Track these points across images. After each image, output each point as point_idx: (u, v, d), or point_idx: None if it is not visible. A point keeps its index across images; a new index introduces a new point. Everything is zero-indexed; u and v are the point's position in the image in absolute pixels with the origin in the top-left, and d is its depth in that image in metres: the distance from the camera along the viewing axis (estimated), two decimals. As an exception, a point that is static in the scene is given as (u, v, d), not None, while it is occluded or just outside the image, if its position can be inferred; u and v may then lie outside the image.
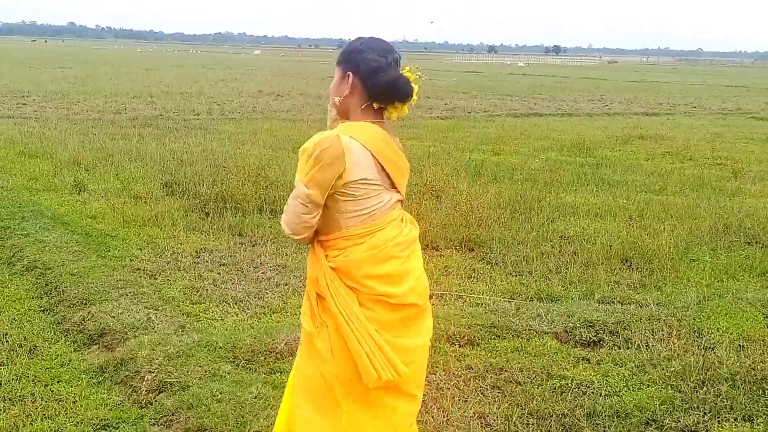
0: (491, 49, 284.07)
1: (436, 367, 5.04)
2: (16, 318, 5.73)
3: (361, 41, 3.12)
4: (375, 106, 3.10)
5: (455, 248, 8.00)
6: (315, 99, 27.47)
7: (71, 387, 4.68)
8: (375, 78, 3.03)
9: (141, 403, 4.45)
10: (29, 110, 20.08)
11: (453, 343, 5.42)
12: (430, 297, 6.41)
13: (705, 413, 4.54)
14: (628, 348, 5.47)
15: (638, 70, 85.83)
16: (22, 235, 7.60)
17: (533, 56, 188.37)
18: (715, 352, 5.37)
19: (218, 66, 57.54)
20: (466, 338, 5.48)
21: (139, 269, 6.88)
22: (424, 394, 4.65)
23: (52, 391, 4.60)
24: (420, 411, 4.49)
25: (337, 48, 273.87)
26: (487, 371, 5.01)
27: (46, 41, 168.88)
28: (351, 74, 3.05)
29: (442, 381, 4.85)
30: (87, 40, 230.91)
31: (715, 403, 4.63)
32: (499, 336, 5.58)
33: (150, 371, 4.70)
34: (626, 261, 7.66)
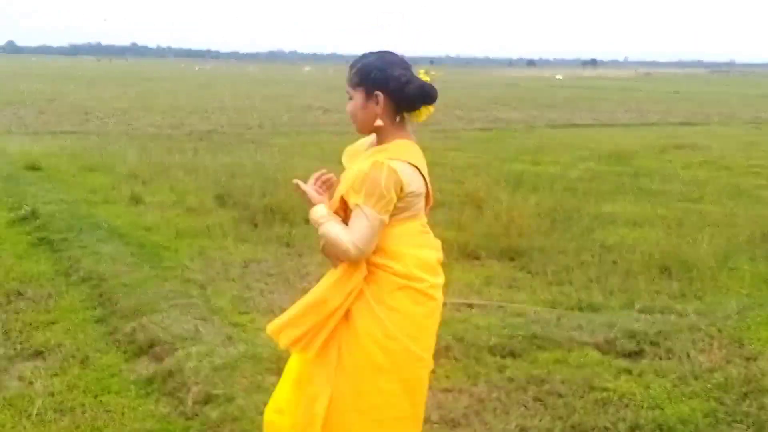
0: (530, 63, 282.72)
1: (478, 378, 4.85)
2: (71, 328, 5.64)
3: (376, 57, 2.98)
4: (404, 116, 3.03)
5: (496, 258, 7.77)
6: (361, 112, 27.36)
7: (120, 398, 4.55)
8: (407, 90, 2.92)
9: (187, 414, 4.31)
10: (92, 126, 20.27)
11: (494, 354, 5.20)
12: (471, 306, 6.24)
13: (748, 426, 4.30)
14: (670, 359, 5.22)
15: (673, 82, 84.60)
16: (79, 246, 7.53)
17: (570, 69, 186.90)
18: (757, 363, 5.11)
19: (270, 82, 57.81)
20: (507, 349, 5.26)
21: (189, 280, 6.77)
22: (465, 407, 4.48)
23: (101, 402, 4.49)
24: (461, 423, 4.31)
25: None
26: (528, 383, 4.80)
27: (110, 60, 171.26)
28: (380, 93, 2.93)
29: (483, 393, 4.64)
30: (148, 59, 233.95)
31: (759, 417, 4.38)
32: (541, 347, 5.35)
33: (196, 383, 4.56)
34: (666, 270, 7.37)
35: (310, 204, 3.02)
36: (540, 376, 4.88)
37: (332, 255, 3.03)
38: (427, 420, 4.28)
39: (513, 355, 5.22)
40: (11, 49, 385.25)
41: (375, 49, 3.04)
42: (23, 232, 8.35)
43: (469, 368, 4.99)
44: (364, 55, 3.01)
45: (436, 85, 2.99)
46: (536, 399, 4.60)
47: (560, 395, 4.64)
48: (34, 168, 12.36)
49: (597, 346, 5.39)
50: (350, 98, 3.01)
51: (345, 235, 2.88)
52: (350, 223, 2.91)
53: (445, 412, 4.39)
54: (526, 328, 5.61)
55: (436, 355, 5.09)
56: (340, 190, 3.00)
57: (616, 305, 6.38)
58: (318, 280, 6.86)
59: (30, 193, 10.14)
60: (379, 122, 2.98)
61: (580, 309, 6.28)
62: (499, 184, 11.16)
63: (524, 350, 5.28)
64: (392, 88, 2.92)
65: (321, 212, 2.97)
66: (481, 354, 5.17)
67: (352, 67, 2.99)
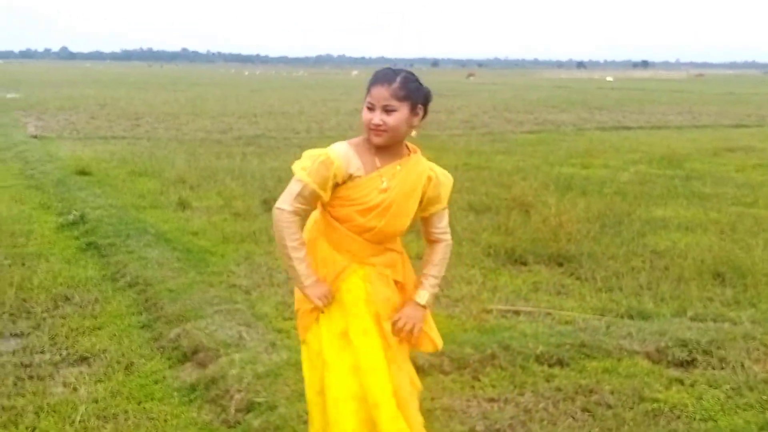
0: (580, 65, 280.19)
1: (524, 387, 4.75)
2: (116, 334, 5.66)
3: (408, 73, 3.18)
4: None
5: (544, 263, 7.64)
6: (409, 116, 27.29)
7: (163, 405, 4.54)
8: (430, 103, 3.23)
9: (230, 422, 4.28)
10: (142, 131, 20.46)
11: (542, 362, 5.09)
12: (518, 313, 6.13)
13: (807, 440, 4.14)
14: (723, 369, 5.06)
15: (725, 83, 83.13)
16: (126, 251, 7.57)
17: (621, 71, 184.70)
18: (815, 375, 4.94)
19: (318, 86, 58.05)
20: (555, 358, 5.14)
21: (234, 285, 6.76)
22: (511, 417, 4.39)
23: (144, 409, 4.48)
24: (508, 434, 4.21)
25: (431, 67, 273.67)
26: (576, 393, 4.68)
27: (161, 66, 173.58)
28: (422, 106, 3.17)
29: (530, 403, 4.54)
30: (198, 65, 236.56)
31: (818, 430, 4.22)
32: (589, 356, 5.22)
33: (239, 390, 4.53)
34: (719, 276, 7.18)
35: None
36: (588, 386, 4.76)
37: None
38: (472, 430, 4.23)
39: (561, 364, 5.11)
40: (65, 54, 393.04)
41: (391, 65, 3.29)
42: (71, 236, 8.44)
43: (516, 377, 4.89)
44: (395, 70, 3.16)
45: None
46: (584, 410, 4.49)
47: (609, 406, 4.52)
48: (84, 173, 12.51)
49: (647, 355, 5.26)
50: (389, 111, 3.09)
51: (448, 234, 3.46)
52: (444, 218, 3.39)
53: (490, 423, 4.30)
54: (575, 336, 5.48)
55: (482, 363, 5.04)
56: (411, 203, 3.24)
57: (667, 313, 6.22)
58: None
59: (79, 198, 10.24)
60: (414, 133, 3.23)
61: (630, 317, 6.13)
62: (548, 188, 11.02)
63: (572, 359, 5.16)
64: (427, 100, 3.20)
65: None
66: (528, 363, 5.06)
67: (389, 81, 3.10)
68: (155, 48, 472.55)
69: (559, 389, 4.73)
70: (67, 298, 6.40)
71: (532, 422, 4.30)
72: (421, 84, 3.18)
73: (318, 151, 3.19)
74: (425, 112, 3.20)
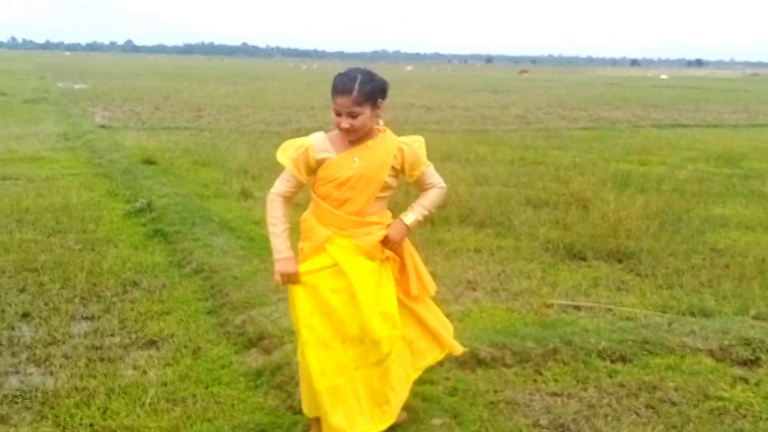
0: (634, 63, 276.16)
1: (587, 383, 4.66)
2: (183, 319, 5.69)
3: (366, 73, 3.53)
4: None
5: (603, 259, 7.51)
6: (463, 111, 27.19)
7: (230, 390, 4.55)
8: (387, 89, 3.61)
9: (295, 408, 4.25)
10: (204, 122, 20.62)
11: (604, 358, 4.99)
12: (579, 308, 6.02)
13: None
14: (789, 369, 4.92)
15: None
16: (192, 239, 7.62)
17: (675, 69, 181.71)
18: None
19: (374, 81, 57.92)
20: (617, 354, 5.04)
21: (297, 273, 6.74)
22: (575, 412, 4.30)
23: (212, 393, 4.49)
24: (571, 429, 4.14)
25: (485, 63, 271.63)
26: (640, 389, 4.58)
27: (222, 60, 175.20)
28: (381, 101, 3.56)
29: (593, 398, 4.45)
30: (257, 59, 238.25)
31: None
32: (652, 352, 5.11)
33: (304, 377, 4.51)
34: (782, 276, 6.99)
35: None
36: (652, 383, 4.66)
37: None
38: (535, 424, 4.15)
39: (623, 360, 5.00)
40: (129, 48, 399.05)
41: (344, 69, 3.62)
42: (139, 223, 8.52)
43: (578, 372, 4.80)
44: (350, 77, 3.50)
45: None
46: (648, 406, 4.39)
47: (674, 403, 4.42)
48: (149, 162, 12.64)
49: (711, 353, 5.13)
50: (353, 116, 3.46)
51: (439, 182, 3.81)
52: (430, 174, 3.76)
53: (554, 417, 4.22)
54: (636, 332, 5.37)
55: (544, 358, 4.96)
56: (380, 174, 3.58)
57: (729, 311, 6.06)
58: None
59: (145, 186, 10.35)
60: (381, 122, 3.63)
61: (692, 314, 5.99)
62: (605, 184, 10.82)
63: (635, 355, 5.05)
64: (384, 93, 3.57)
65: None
66: (590, 358, 4.97)
67: (348, 91, 3.45)
68: (216, 42, 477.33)
69: (622, 385, 4.63)
70: (135, 283, 6.47)
71: (596, 418, 4.21)
72: (376, 81, 3.52)
73: (301, 140, 3.63)
74: (384, 99, 3.57)
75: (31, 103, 25.04)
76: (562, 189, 10.59)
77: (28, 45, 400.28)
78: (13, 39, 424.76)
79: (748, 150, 16.77)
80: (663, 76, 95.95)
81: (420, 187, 3.78)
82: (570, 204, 9.54)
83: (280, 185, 3.66)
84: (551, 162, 13.94)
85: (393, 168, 3.61)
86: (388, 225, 3.69)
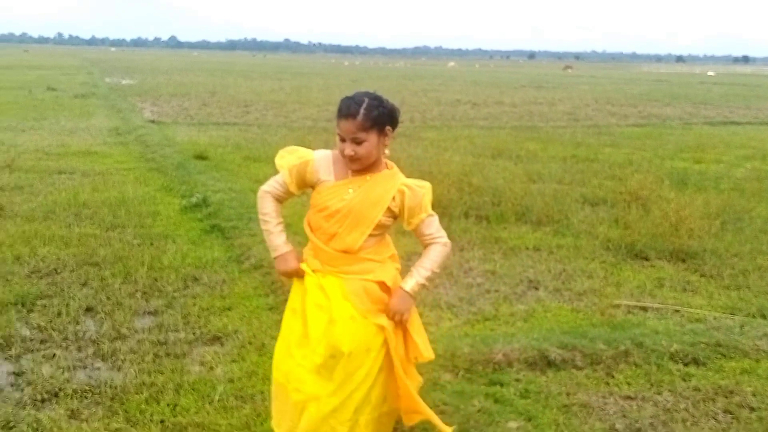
0: (679, 59, 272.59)
1: (661, 386, 4.55)
2: (246, 315, 5.67)
3: (374, 98, 3.22)
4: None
5: (666, 259, 7.37)
6: (510, 107, 26.98)
7: (297, 387, 4.51)
8: (397, 116, 3.32)
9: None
10: (252, 118, 20.69)
11: (676, 361, 4.88)
12: (645, 309, 5.90)
13: None
14: None
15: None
16: (249, 235, 7.61)
17: (721, 65, 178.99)
18: None
19: (417, 77, 57.88)
20: (690, 356, 4.93)
21: (356, 270, 6.70)
22: (651, 417, 4.20)
23: (280, 391, 4.45)
24: (648, 434, 4.04)
25: (528, 59, 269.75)
26: (716, 394, 4.47)
27: (264, 56, 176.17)
28: (390, 129, 3.25)
29: (669, 402, 4.35)
30: (300, 55, 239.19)
31: None
32: (725, 355, 4.99)
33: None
34: None
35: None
36: (728, 387, 4.55)
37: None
38: (611, 428, 4.07)
39: (696, 363, 4.89)
40: (173, 43, 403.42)
41: (354, 92, 3.30)
42: (195, 218, 8.54)
43: (651, 375, 4.70)
44: (356, 101, 3.20)
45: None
46: (726, 411, 4.27)
47: (752, 408, 4.30)
48: (201, 157, 12.69)
49: (787, 358, 4.99)
50: (358, 142, 3.18)
51: (441, 237, 3.42)
52: (431, 225, 3.37)
53: (630, 421, 4.13)
54: (708, 335, 5.25)
55: (615, 360, 4.86)
56: (373, 213, 3.28)
57: (802, 314, 5.90)
58: (482, 276, 6.67)
59: (199, 181, 10.38)
60: (387, 151, 3.32)
61: (763, 316, 5.85)
62: (662, 182, 10.62)
63: (708, 358, 4.94)
64: (394, 121, 3.27)
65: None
66: (663, 361, 4.86)
67: (353, 115, 3.16)
68: (259, 38, 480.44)
69: (697, 389, 4.52)
70: (195, 279, 6.47)
71: (674, 422, 4.11)
72: (385, 106, 3.22)
73: (306, 151, 3.40)
74: (394, 128, 3.28)
75: (81, 98, 25.33)
76: (618, 187, 10.42)
77: (74, 41, 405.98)
78: (60, 35, 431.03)
79: (805, 148, 16.41)
80: (710, 73, 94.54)
81: (419, 237, 3.41)
82: (628, 202, 9.38)
83: (271, 184, 3.47)
84: (604, 159, 13.75)
85: (390, 210, 3.29)
86: (388, 256, 3.42)
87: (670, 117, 24.51)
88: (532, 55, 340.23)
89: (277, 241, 3.45)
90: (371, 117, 3.16)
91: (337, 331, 3.24)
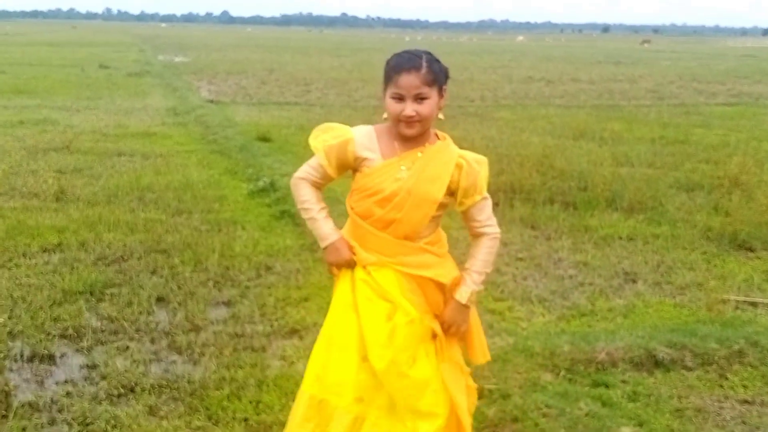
0: (766, 32, 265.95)
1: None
2: (324, 307, 5.53)
3: (430, 56, 3.02)
4: None
5: (774, 250, 7.16)
6: (588, 84, 26.61)
7: (385, 385, 4.46)
8: (449, 78, 3.12)
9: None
10: (313, 97, 20.75)
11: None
12: (755, 305, 5.73)
13: None
14: None
15: None
16: (321, 221, 7.57)
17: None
18: None
19: (484, 52, 57.43)
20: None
21: (437, 260, 6.64)
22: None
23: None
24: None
25: (602, 32, 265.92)
26: None
27: (321, 31, 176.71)
28: (445, 86, 3.05)
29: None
30: (357, 29, 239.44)
31: None
32: None
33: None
34: None
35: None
36: None
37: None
38: (731, 436, 3.92)
39: (830, 367, 4.71)
40: (226, 19, 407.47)
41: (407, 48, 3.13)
42: (263, 204, 8.56)
43: (769, 377, 4.55)
44: (415, 53, 3.02)
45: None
46: None
47: None
48: (264, 139, 12.73)
49: None
50: (421, 99, 2.96)
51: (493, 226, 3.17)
52: (484, 209, 3.13)
53: (750, 428, 4.01)
54: (837, 335, 5.06)
55: (728, 360, 4.71)
56: (434, 192, 3.04)
57: None
58: (573, 267, 6.56)
59: (265, 164, 10.40)
60: (441, 116, 3.08)
61: None
62: (763, 165, 10.32)
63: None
64: (447, 80, 3.07)
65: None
66: (788, 365, 4.70)
67: (417, 67, 2.96)
68: (314, 13, 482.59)
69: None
70: (268, 267, 6.47)
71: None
72: (441, 62, 3.05)
73: (344, 128, 3.14)
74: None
75: (135, 77, 25.68)
76: (715, 171, 10.16)
77: (123, 16, 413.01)
78: (108, 10, 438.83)
79: None
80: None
81: (467, 223, 3.17)
82: (727, 188, 9.15)
83: (305, 170, 3.20)
84: (696, 141, 13.44)
85: (448, 186, 3.05)
86: (446, 251, 3.21)
87: (763, 95, 23.88)
88: (606, 29, 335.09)
89: (325, 228, 3.18)
90: (434, 70, 2.97)
91: (399, 334, 3.02)
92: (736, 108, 19.98)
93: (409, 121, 2.95)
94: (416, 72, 2.93)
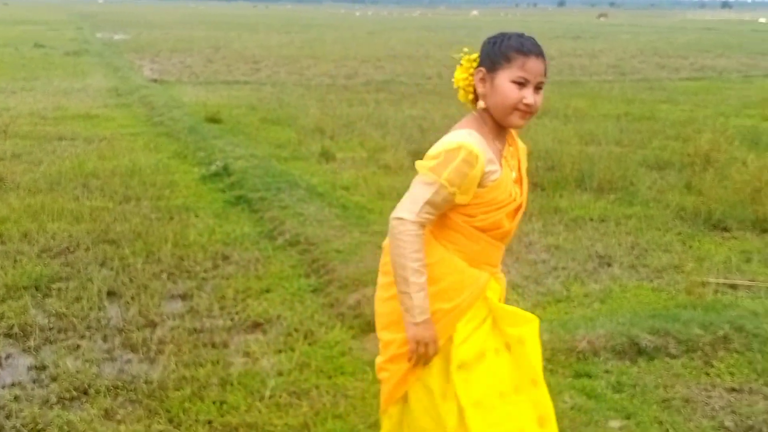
0: (725, 5, 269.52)
1: (770, 377, 4.38)
2: (287, 299, 5.52)
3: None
4: None
5: (749, 230, 7.17)
6: (547, 59, 26.58)
7: (356, 380, 4.37)
8: None
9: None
10: (263, 75, 20.52)
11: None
12: (735, 287, 5.73)
13: None
14: None
15: None
16: (280, 207, 7.44)
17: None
18: None
19: (438, 28, 57.28)
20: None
21: (404, 247, 6.54)
22: (765, 412, 4.04)
23: (336, 385, 4.32)
24: (764, 433, 3.88)
25: (557, 6, 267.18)
26: (836, 385, 4.30)
27: (266, 6, 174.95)
28: None
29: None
30: (305, 5, 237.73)
31: None
32: (839, 340, 4.81)
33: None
34: None
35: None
36: None
37: None
38: (721, 426, 3.92)
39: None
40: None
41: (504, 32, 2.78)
42: (217, 189, 8.40)
43: (756, 364, 4.54)
44: (530, 38, 2.71)
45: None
46: None
47: None
48: (214, 120, 12.51)
49: None
50: (539, 89, 2.68)
51: None
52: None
53: (740, 418, 3.97)
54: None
55: (713, 347, 4.69)
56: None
57: None
58: (545, 251, 6.47)
59: (216, 147, 10.20)
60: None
61: None
62: (732, 142, 10.37)
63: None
64: None
65: None
66: (767, 347, 4.68)
67: (541, 53, 2.70)
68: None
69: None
70: (225, 257, 6.33)
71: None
72: None
73: (449, 143, 2.64)
74: None
75: (73, 56, 25.16)
76: (684, 148, 10.19)
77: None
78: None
79: None
80: (762, 20, 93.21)
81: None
82: (697, 165, 9.17)
83: (423, 211, 2.63)
84: (662, 117, 13.50)
85: None
86: None
87: (727, 69, 24.13)
88: (561, 3, 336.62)
89: (426, 302, 2.68)
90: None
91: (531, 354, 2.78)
92: (700, 83, 20.14)
93: (528, 110, 2.65)
94: (543, 58, 2.69)
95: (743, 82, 20.45)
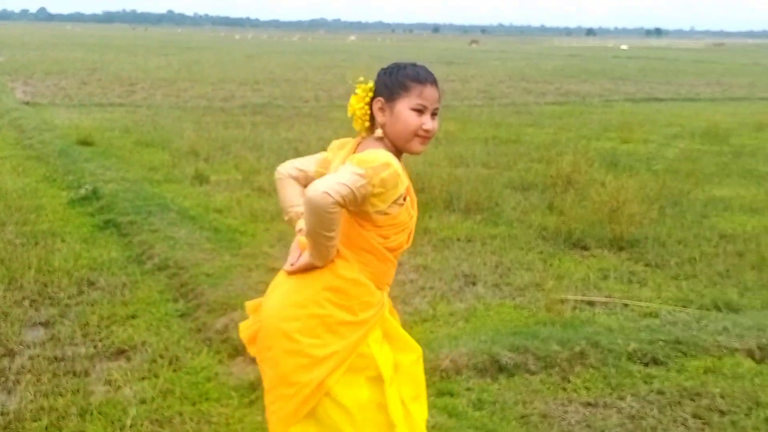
0: (589, 32, 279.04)
1: (623, 390, 4.48)
2: (153, 324, 5.36)
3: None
4: None
5: (606, 248, 7.36)
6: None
7: (221, 406, 4.26)
8: None
9: (300, 428, 4.00)
10: (139, 98, 20.12)
11: (635, 361, 4.82)
12: (592, 303, 5.85)
13: None
14: (837, 369, 4.80)
15: (747, 53, 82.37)
16: (150, 230, 7.26)
17: (634, 38, 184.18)
18: None
19: (317, 52, 57.51)
20: (649, 356, 4.87)
21: (274, 269, 6.40)
22: (617, 425, 4.12)
23: (201, 411, 4.19)
24: (616, 445, 3.95)
25: (432, 33, 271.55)
26: (682, 396, 4.42)
27: (146, 29, 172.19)
28: None
29: (633, 408, 4.27)
30: (185, 28, 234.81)
31: None
32: (686, 353, 4.95)
33: (307, 391, 4.25)
34: (802, 264, 6.92)
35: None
36: (693, 389, 4.50)
37: None
38: (576, 439, 3.95)
39: (656, 362, 4.84)
40: (43, 16, 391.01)
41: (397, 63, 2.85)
42: (85, 213, 8.13)
43: (610, 378, 4.62)
44: (424, 68, 2.81)
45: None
46: (695, 416, 4.22)
47: (722, 412, 4.26)
48: (86, 143, 12.15)
49: (749, 354, 5.00)
50: (435, 115, 2.79)
51: None
52: None
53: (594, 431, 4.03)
54: (665, 331, 5.22)
55: (570, 362, 4.77)
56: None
57: (756, 304, 5.97)
58: (413, 271, 6.48)
59: (87, 170, 9.90)
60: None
61: (717, 308, 5.86)
62: (593, 164, 10.67)
63: (668, 357, 4.89)
64: None
65: None
66: (621, 362, 4.80)
67: (435, 81, 2.80)
68: (139, 10, 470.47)
69: (662, 392, 4.46)
70: (91, 282, 6.11)
71: (642, 431, 4.03)
72: None
73: (381, 156, 2.62)
74: None
75: (-61, 78, 24.15)
76: (547, 170, 10.41)
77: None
78: None
79: (732, 125, 16.85)
80: (623, 47, 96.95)
81: None
82: (560, 187, 9.39)
83: (342, 193, 2.52)
84: (528, 140, 13.81)
85: None
86: None
87: (590, 94, 24.92)
88: (436, 29, 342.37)
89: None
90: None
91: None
92: (564, 107, 20.73)
93: (427, 135, 2.75)
94: (437, 86, 2.79)
95: (604, 106, 21.14)
